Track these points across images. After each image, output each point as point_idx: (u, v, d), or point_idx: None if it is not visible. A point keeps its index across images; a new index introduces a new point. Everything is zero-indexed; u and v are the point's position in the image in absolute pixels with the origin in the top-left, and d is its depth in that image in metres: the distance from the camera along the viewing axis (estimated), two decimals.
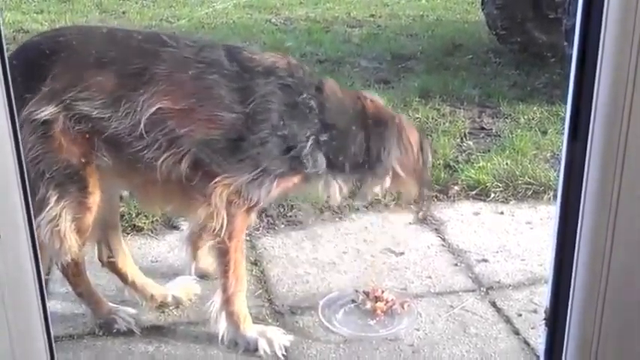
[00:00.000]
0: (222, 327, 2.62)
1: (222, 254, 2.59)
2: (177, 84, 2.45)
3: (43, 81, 2.37)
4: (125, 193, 3.50)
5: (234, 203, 2.53)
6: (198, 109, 2.47)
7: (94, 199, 2.52)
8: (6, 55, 1.40)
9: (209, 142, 2.48)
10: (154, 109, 2.40)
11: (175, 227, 3.23)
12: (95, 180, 2.50)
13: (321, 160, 2.63)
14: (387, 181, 2.84)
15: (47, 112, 2.36)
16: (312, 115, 2.59)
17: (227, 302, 2.63)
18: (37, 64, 2.39)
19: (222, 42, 2.86)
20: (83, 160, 2.46)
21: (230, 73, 2.51)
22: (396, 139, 2.77)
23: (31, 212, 1.47)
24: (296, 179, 2.64)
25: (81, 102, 2.38)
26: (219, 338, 2.62)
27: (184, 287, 2.96)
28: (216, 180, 2.49)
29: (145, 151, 2.44)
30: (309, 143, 2.58)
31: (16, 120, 1.39)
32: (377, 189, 2.90)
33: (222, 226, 2.53)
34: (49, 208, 2.41)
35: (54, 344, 1.56)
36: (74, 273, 2.69)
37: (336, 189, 2.74)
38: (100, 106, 2.39)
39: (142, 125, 2.40)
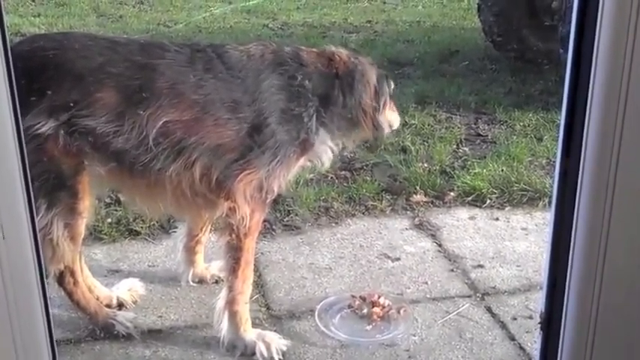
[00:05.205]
0: (224, 327, 2.63)
1: (235, 252, 2.60)
2: (179, 96, 2.44)
3: (42, 95, 2.32)
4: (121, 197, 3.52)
5: (255, 198, 2.55)
6: (204, 116, 2.47)
7: (85, 204, 2.50)
8: (10, 56, 1.41)
9: (221, 145, 2.49)
10: (160, 123, 2.40)
11: (173, 231, 3.23)
12: (86, 185, 2.48)
13: (319, 130, 2.66)
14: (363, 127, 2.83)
15: (47, 126, 2.33)
16: (309, 93, 2.62)
17: (231, 302, 2.64)
18: (34, 77, 2.32)
19: (204, 42, 2.85)
20: (75, 169, 2.44)
21: (225, 75, 2.52)
22: (361, 83, 2.78)
23: (34, 213, 1.48)
24: (305, 158, 2.69)
25: (83, 118, 2.35)
26: (220, 340, 2.64)
27: (129, 289, 2.98)
28: (239, 178, 2.50)
29: (153, 163, 2.44)
30: (314, 119, 2.61)
31: (20, 122, 1.40)
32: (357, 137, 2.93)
33: (241, 222, 2.55)
34: (39, 216, 2.38)
35: (56, 346, 1.57)
36: (70, 282, 2.68)
37: (329, 153, 2.78)
38: (104, 122, 2.37)
39: (150, 140, 2.39)
